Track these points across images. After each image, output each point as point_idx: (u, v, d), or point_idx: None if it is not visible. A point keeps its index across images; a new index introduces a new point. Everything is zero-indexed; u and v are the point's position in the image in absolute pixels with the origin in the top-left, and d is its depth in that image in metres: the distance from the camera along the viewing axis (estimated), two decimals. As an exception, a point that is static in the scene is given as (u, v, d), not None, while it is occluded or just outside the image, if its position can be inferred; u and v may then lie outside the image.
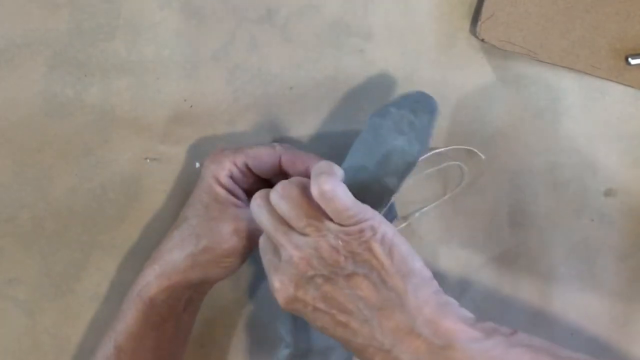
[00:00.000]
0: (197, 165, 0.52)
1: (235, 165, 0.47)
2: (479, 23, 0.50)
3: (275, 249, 0.42)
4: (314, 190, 0.39)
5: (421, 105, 0.45)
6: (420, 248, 0.52)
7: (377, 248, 0.40)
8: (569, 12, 0.50)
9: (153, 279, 0.46)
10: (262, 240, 0.43)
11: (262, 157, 0.47)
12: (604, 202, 0.54)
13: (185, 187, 0.52)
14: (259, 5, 0.51)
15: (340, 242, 0.40)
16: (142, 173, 0.51)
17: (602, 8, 0.50)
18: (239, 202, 0.47)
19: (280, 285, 0.41)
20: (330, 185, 0.39)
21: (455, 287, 0.53)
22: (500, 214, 0.54)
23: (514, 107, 0.53)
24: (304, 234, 0.40)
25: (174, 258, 0.46)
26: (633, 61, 0.51)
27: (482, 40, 0.50)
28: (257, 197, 0.42)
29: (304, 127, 0.52)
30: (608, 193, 0.54)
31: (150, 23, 0.50)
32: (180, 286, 0.46)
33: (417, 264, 0.41)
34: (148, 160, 0.51)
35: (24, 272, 0.51)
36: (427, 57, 0.52)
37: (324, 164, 0.41)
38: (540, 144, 0.53)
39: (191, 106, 0.51)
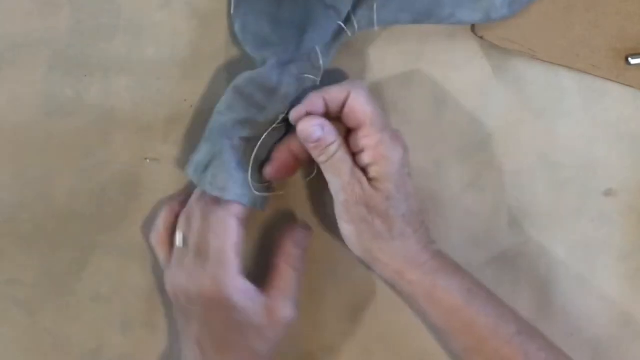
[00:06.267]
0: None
1: None
2: (479, 21, 0.50)
3: None
4: None
5: None
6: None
7: None
8: (569, 11, 0.50)
9: None
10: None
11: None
12: (604, 202, 0.54)
13: (185, 187, 0.52)
14: (259, 5, 0.51)
15: None
16: (142, 173, 0.51)
17: (602, 7, 0.50)
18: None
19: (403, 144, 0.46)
20: None
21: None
22: (500, 214, 0.54)
23: (513, 107, 0.53)
24: None
25: None
26: (633, 61, 0.51)
27: (481, 37, 0.50)
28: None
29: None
30: (608, 193, 0.54)
31: (150, 23, 0.50)
32: None
33: None
34: (148, 160, 0.51)
35: (24, 272, 0.51)
36: (427, 57, 0.52)
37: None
38: (540, 144, 0.53)
39: (191, 106, 0.51)
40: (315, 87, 0.47)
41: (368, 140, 0.44)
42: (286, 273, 0.48)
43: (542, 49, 0.51)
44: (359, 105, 0.44)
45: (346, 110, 0.44)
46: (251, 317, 0.45)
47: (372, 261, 0.47)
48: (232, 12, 0.47)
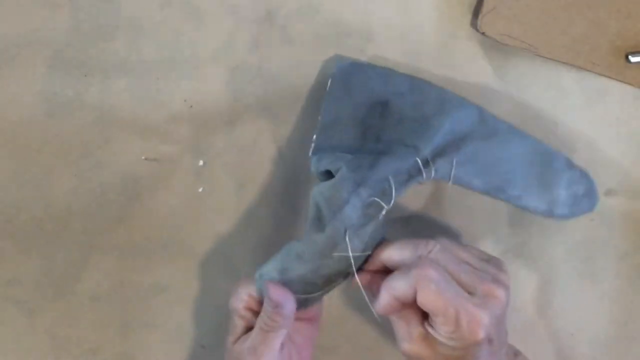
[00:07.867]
0: (201, 163, 0.52)
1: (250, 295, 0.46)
2: (480, 16, 0.50)
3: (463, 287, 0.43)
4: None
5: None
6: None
7: None
8: (571, 7, 0.51)
9: None
10: (437, 275, 0.42)
11: None
12: (604, 202, 0.54)
13: (185, 187, 0.52)
14: (259, 5, 0.51)
15: None
16: (142, 173, 0.51)
17: (603, 5, 0.50)
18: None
19: (489, 320, 0.41)
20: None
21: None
22: (500, 214, 0.54)
23: (514, 107, 0.53)
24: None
25: None
26: (633, 59, 0.51)
27: (483, 33, 0.50)
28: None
29: (304, 127, 0.52)
30: (608, 193, 0.54)
31: (150, 23, 0.50)
32: None
33: None
34: (148, 161, 0.51)
35: (23, 272, 0.51)
36: (427, 57, 0.52)
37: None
38: (540, 144, 0.53)
39: (191, 106, 0.51)
40: (380, 220, 0.45)
41: (445, 327, 0.42)
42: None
43: (543, 45, 0.51)
44: (429, 303, 0.42)
45: (418, 302, 0.42)
46: None
47: None
48: (319, 121, 0.49)
